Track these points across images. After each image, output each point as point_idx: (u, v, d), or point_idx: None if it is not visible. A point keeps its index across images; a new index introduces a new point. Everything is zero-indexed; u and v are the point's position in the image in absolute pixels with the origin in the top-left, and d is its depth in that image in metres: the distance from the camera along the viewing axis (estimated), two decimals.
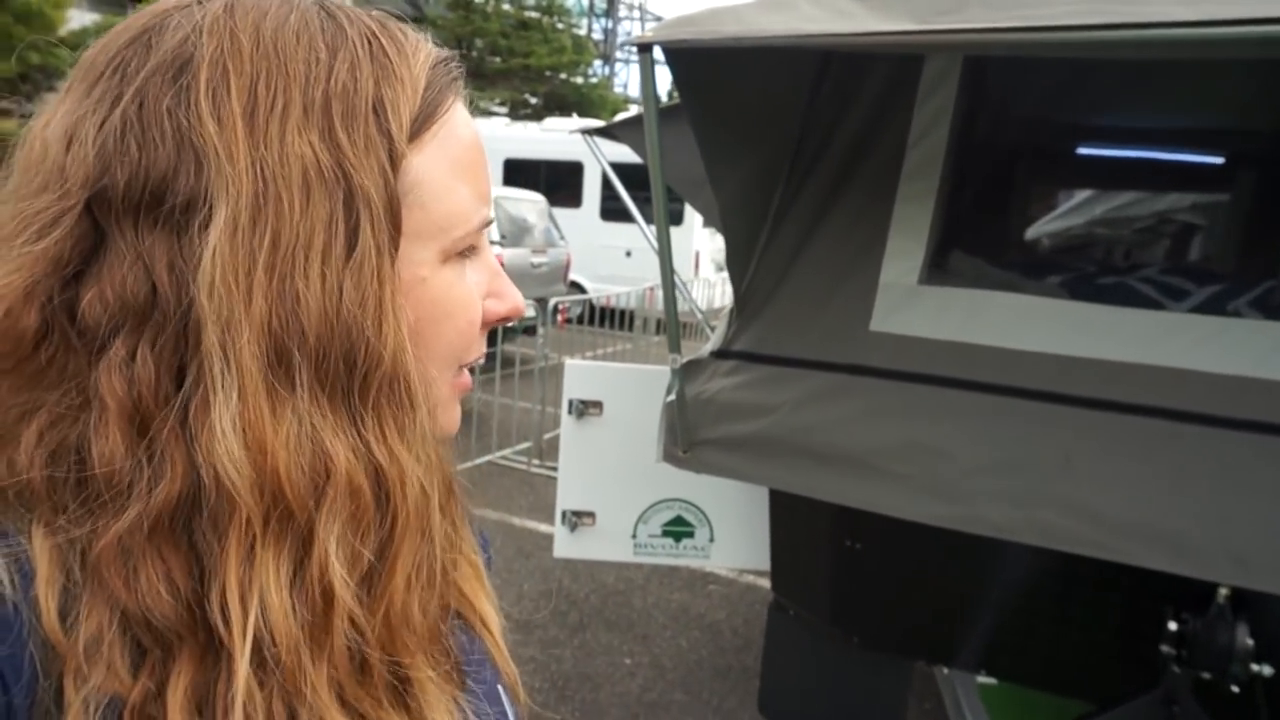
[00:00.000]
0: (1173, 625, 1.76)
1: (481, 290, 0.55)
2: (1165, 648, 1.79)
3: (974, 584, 2.21)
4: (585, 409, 2.80)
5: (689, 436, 1.94)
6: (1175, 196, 4.87)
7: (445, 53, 0.54)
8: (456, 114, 0.53)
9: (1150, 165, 3.80)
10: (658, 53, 1.49)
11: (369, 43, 0.49)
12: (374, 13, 0.53)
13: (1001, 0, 1.38)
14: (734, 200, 1.82)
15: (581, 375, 2.78)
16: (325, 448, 0.46)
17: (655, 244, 2.03)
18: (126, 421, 0.44)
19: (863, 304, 1.86)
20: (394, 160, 0.48)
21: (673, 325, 1.85)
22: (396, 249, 0.48)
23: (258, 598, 0.44)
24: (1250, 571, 1.50)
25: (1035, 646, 2.27)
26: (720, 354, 1.96)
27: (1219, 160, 3.80)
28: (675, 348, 1.83)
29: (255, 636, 0.44)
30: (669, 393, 1.88)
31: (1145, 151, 3.72)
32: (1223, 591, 1.69)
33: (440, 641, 0.54)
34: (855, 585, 2.38)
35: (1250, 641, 1.68)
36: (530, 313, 6.09)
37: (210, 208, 0.44)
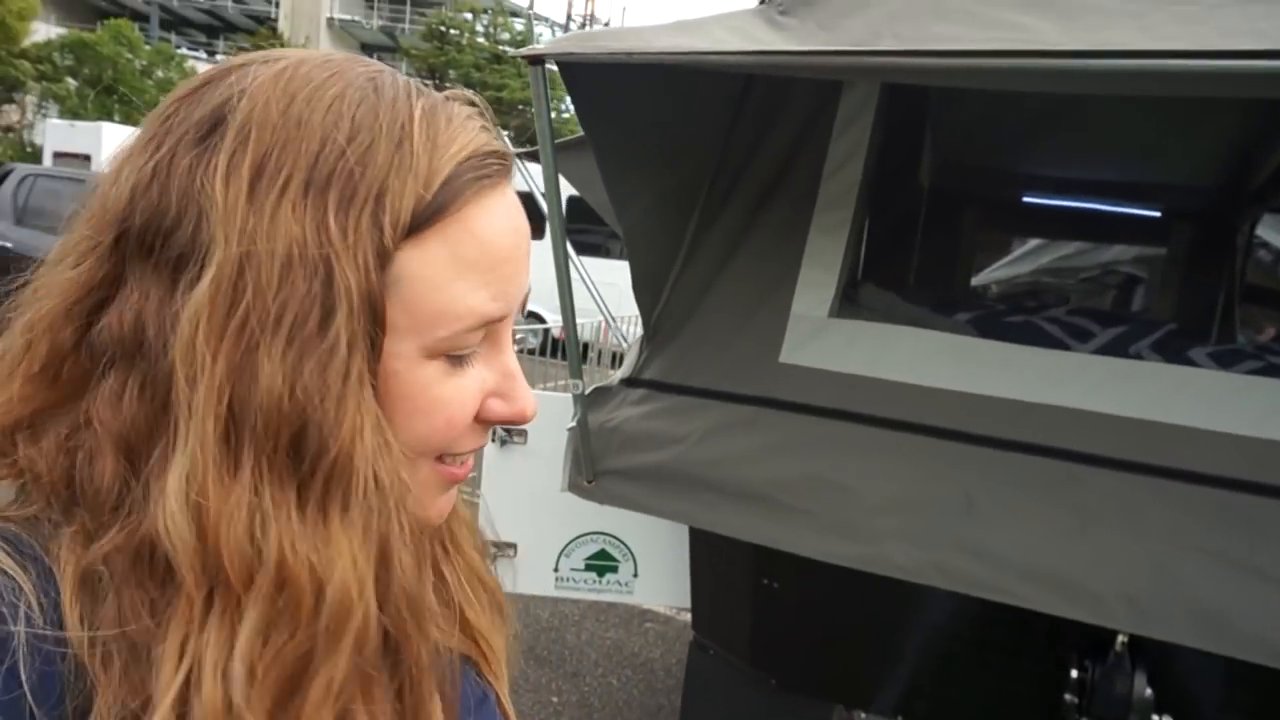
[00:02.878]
0: (1074, 673, 1.73)
1: (486, 387, 0.54)
2: (1068, 696, 1.75)
3: (890, 627, 2.17)
4: (509, 437, 2.73)
5: (594, 466, 1.88)
6: (1089, 245, 4.96)
7: (491, 146, 0.52)
8: (479, 211, 0.51)
9: (1064, 214, 3.87)
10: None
11: (399, 127, 0.48)
12: (435, 94, 0.52)
13: (915, 33, 1.37)
14: (638, 226, 1.79)
15: None
16: (261, 530, 0.45)
17: (584, 275, 2.00)
18: (115, 449, 0.46)
19: (773, 335, 1.83)
20: (381, 253, 0.47)
21: (572, 351, 1.81)
22: (374, 343, 0.48)
23: (187, 666, 0.44)
24: (1145, 618, 1.47)
25: (951, 692, 2.23)
26: (630, 382, 1.92)
27: (1136, 211, 3.88)
28: (576, 374, 1.78)
29: (178, 700, 0.43)
30: (572, 420, 1.83)
31: (1058, 200, 3.78)
32: (1120, 639, 1.66)
33: None
34: (773, 625, 2.32)
35: (1149, 691, 1.65)
36: None
37: (202, 266, 0.45)
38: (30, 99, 19.02)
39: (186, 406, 0.45)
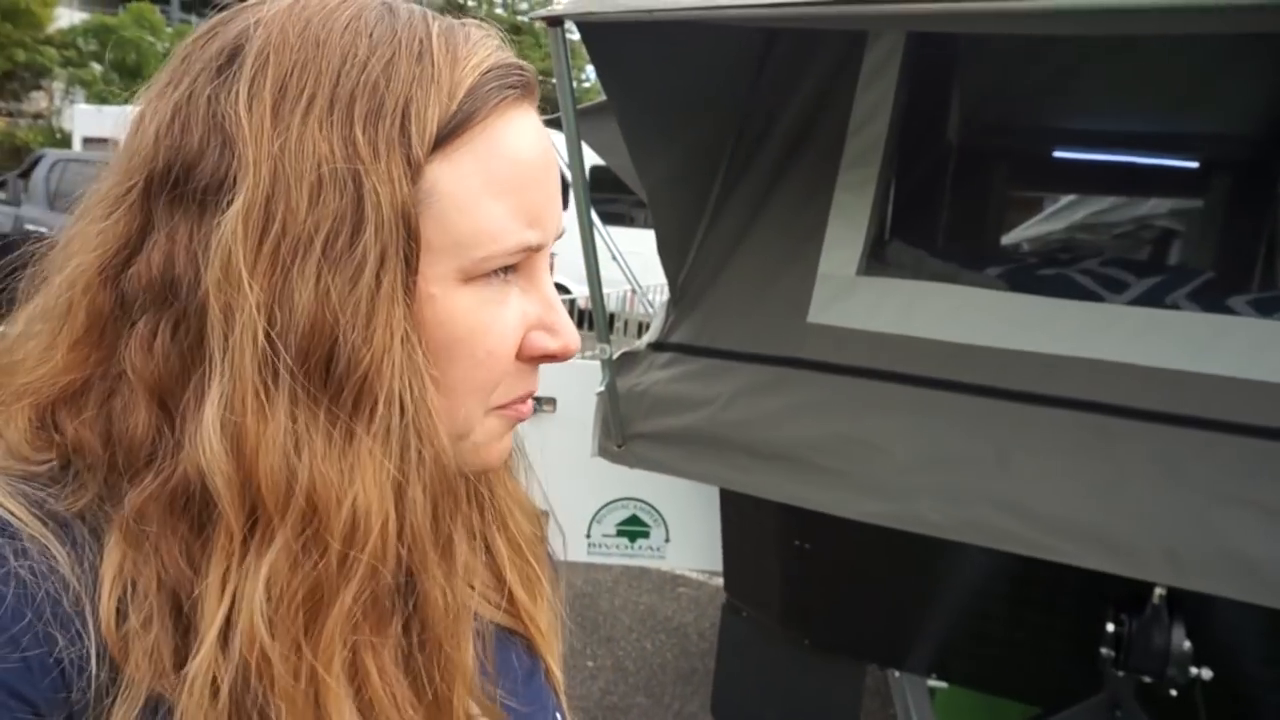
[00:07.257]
0: (1111, 627, 1.72)
1: (529, 321, 0.52)
2: (1104, 650, 1.74)
3: (924, 585, 2.16)
4: (539, 405, 2.74)
5: (624, 430, 1.89)
6: (1124, 200, 4.84)
7: (508, 61, 0.51)
8: (506, 125, 0.50)
9: (1098, 167, 3.78)
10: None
11: (419, 42, 0.48)
12: (448, 18, 0.52)
13: None
14: (662, 189, 1.78)
15: None
16: (296, 455, 0.44)
17: (610, 246, 1.99)
18: (148, 396, 0.45)
19: (801, 295, 1.82)
20: (412, 165, 0.46)
21: (599, 315, 1.81)
22: (410, 260, 0.46)
23: (229, 600, 0.43)
24: (1183, 570, 1.45)
25: (986, 649, 2.22)
26: (657, 346, 1.92)
27: (1170, 163, 3.78)
28: (603, 338, 1.78)
29: (221, 636, 0.43)
30: (600, 385, 1.83)
31: (1091, 154, 3.69)
32: (1158, 591, 1.64)
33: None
34: (805, 585, 2.33)
35: (1187, 644, 1.63)
36: None
37: (232, 194, 0.44)
38: (57, 85, 19.22)
39: (223, 337, 0.44)
